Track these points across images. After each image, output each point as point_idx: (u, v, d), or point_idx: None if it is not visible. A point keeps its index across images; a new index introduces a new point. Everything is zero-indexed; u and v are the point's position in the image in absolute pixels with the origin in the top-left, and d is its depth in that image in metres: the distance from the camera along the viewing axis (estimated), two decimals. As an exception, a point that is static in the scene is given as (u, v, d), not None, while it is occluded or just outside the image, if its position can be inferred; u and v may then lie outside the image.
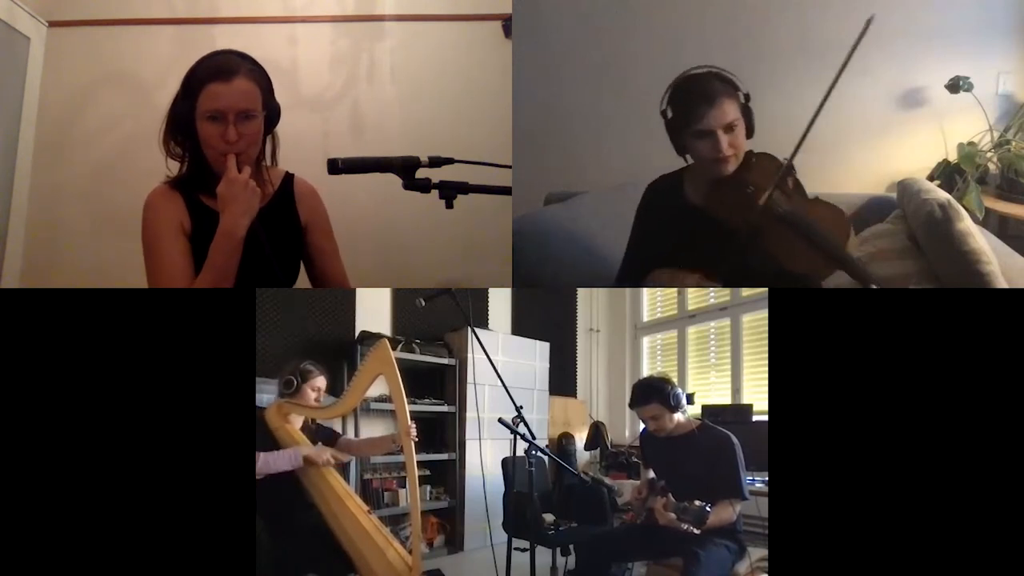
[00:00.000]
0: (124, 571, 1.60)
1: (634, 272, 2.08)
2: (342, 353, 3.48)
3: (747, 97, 1.87)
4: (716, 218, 1.88)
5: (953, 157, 3.10)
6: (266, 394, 2.55)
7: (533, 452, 1.99)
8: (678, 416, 2.18)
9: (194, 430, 1.65)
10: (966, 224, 2.08)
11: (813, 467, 1.65)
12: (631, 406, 2.21)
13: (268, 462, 2.05)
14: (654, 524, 1.99)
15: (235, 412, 1.67)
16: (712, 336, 4.63)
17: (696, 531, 1.88)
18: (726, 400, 4.22)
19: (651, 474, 2.30)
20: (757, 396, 4.02)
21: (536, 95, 3.10)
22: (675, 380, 2.23)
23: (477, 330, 2.56)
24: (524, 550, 2.19)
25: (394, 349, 2.12)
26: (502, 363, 3.82)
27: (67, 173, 2.73)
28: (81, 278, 2.65)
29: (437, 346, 3.80)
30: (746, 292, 4.19)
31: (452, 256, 2.80)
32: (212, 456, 1.65)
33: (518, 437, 2.00)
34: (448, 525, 3.76)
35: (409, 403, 2.11)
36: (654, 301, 5.13)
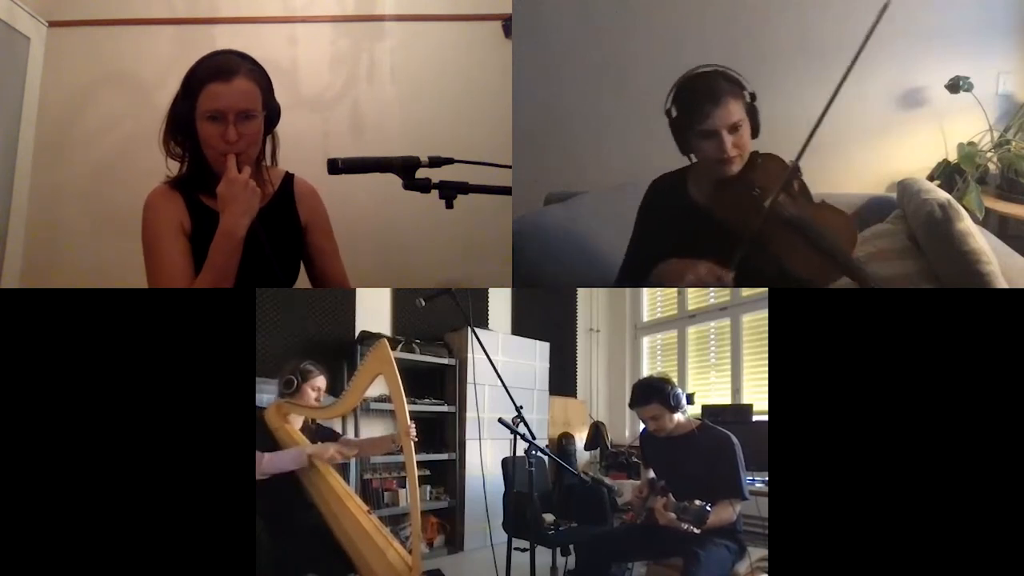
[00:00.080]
0: (124, 571, 1.60)
1: (636, 270, 2.05)
2: (342, 353, 3.48)
3: (753, 96, 1.85)
4: (720, 219, 1.86)
5: (953, 157, 3.10)
6: (266, 394, 2.55)
7: (533, 452, 1.99)
8: (678, 416, 2.18)
9: (194, 430, 1.65)
10: (966, 224, 2.08)
11: (813, 467, 1.65)
12: (631, 406, 2.21)
13: (273, 462, 2.06)
14: (654, 524, 1.99)
15: (235, 412, 1.67)
16: (712, 336, 4.63)
17: (696, 531, 1.88)
18: (726, 400, 4.22)
19: (651, 474, 2.30)
20: (757, 396, 4.02)
21: (536, 95, 3.10)
22: (675, 380, 2.23)
23: (477, 330, 2.56)
24: (524, 550, 2.19)
25: (394, 349, 2.12)
26: (502, 363, 3.82)
27: (67, 173, 2.73)
28: (81, 278, 2.65)
29: (437, 346, 3.80)
30: (746, 292, 4.19)
31: (452, 256, 2.80)
32: (212, 456, 1.65)
33: (518, 437, 1.99)
34: (448, 525, 3.76)
35: (409, 403, 2.11)
36: (654, 301, 5.13)
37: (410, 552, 2.04)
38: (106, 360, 1.65)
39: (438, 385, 3.83)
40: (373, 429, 3.39)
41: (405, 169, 1.64)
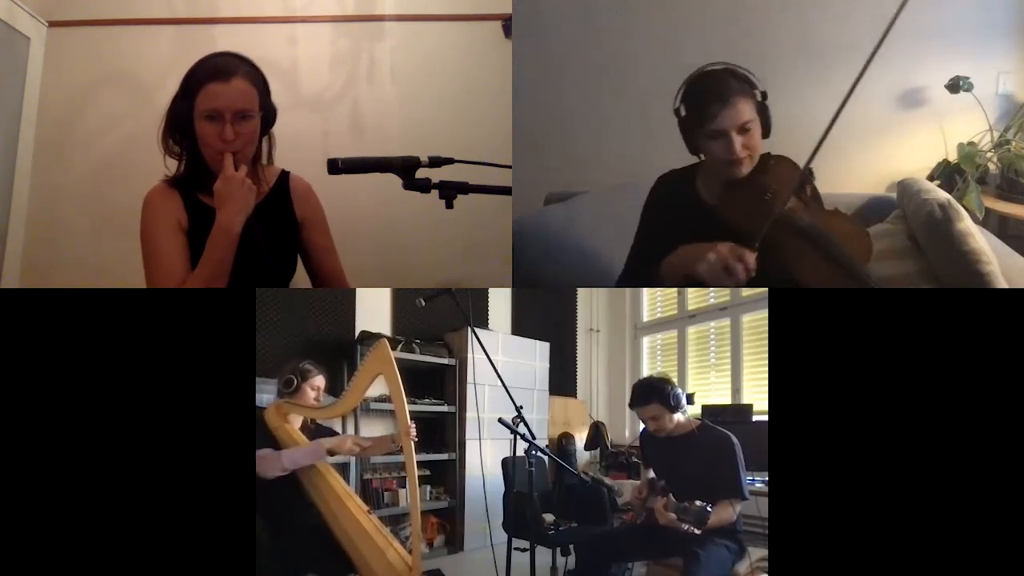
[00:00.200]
0: (124, 571, 1.60)
1: (641, 268, 1.99)
2: (342, 353, 3.48)
3: (764, 95, 1.80)
4: (729, 221, 1.79)
5: (953, 157, 3.10)
6: (266, 394, 2.55)
7: (533, 452, 1.99)
8: (678, 416, 2.18)
9: (194, 430, 1.65)
10: (966, 224, 2.08)
11: (813, 467, 1.65)
12: (631, 406, 2.21)
13: (293, 458, 2.07)
14: (654, 524, 1.99)
15: (235, 412, 1.68)
16: (712, 336, 4.63)
17: (697, 531, 1.88)
18: (726, 400, 4.22)
19: (651, 474, 2.30)
20: (757, 396, 4.02)
21: (536, 95, 3.10)
22: (675, 380, 2.22)
23: (477, 330, 2.56)
24: (524, 550, 2.19)
25: (394, 349, 2.12)
26: (502, 363, 3.82)
27: (67, 173, 2.73)
28: (81, 278, 2.65)
29: (437, 346, 3.80)
30: (746, 292, 4.19)
31: (452, 256, 2.80)
32: (212, 456, 1.65)
33: (518, 437, 2.00)
34: (448, 525, 3.76)
35: (409, 403, 2.11)
36: (654, 301, 5.14)
37: (410, 552, 2.04)
38: (106, 360, 1.65)
39: (438, 385, 3.83)
40: (373, 429, 3.39)
41: (405, 169, 1.65)
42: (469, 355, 3.73)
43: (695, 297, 4.71)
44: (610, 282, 2.22)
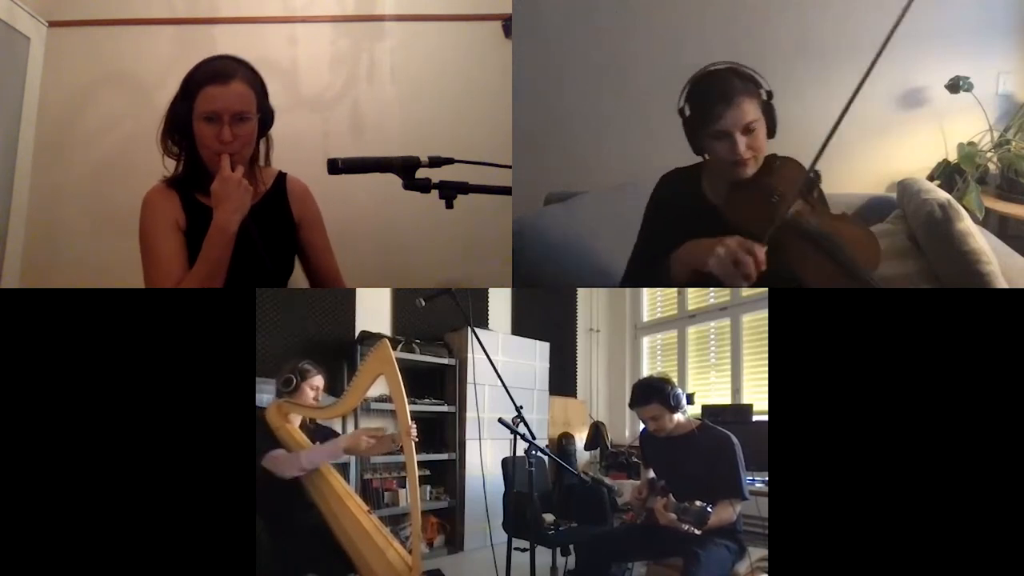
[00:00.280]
0: (124, 571, 1.60)
1: (644, 267, 1.97)
2: (342, 353, 3.48)
3: (770, 95, 1.76)
4: (734, 223, 1.75)
5: (953, 157, 3.11)
6: (266, 394, 2.55)
7: (533, 452, 1.99)
8: (678, 416, 2.17)
9: (194, 430, 1.65)
10: (966, 224, 2.08)
11: (813, 467, 1.65)
12: (631, 406, 2.21)
13: (311, 458, 2.09)
14: (654, 524, 1.99)
15: (235, 412, 1.68)
16: (712, 336, 4.63)
17: (697, 532, 1.88)
18: (726, 400, 4.22)
19: (651, 474, 2.30)
20: (757, 396, 4.02)
21: (536, 95, 3.10)
22: (675, 380, 2.22)
23: (477, 330, 2.56)
24: (524, 550, 2.19)
25: (394, 349, 2.12)
26: (502, 363, 3.82)
27: (67, 173, 2.73)
28: (81, 278, 2.65)
29: (437, 346, 3.80)
30: (746, 292, 4.18)
31: (452, 256, 2.80)
32: (212, 456, 1.65)
33: (518, 437, 2.00)
34: (448, 525, 3.76)
35: (409, 403, 2.11)
36: (654, 301, 5.13)
37: (410, 552, 2.04)
38: (106, 360, 1.65)
39: (438, 385, 3.83)
40: (372, 427, 3.39)
41: (405, 169, 1.65)
42: (469, 355, 3.73)
43: (695, 297, 4.71)
44: (610, 282, 2.22)
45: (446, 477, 3.80)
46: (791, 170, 1.79)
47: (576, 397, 4.96)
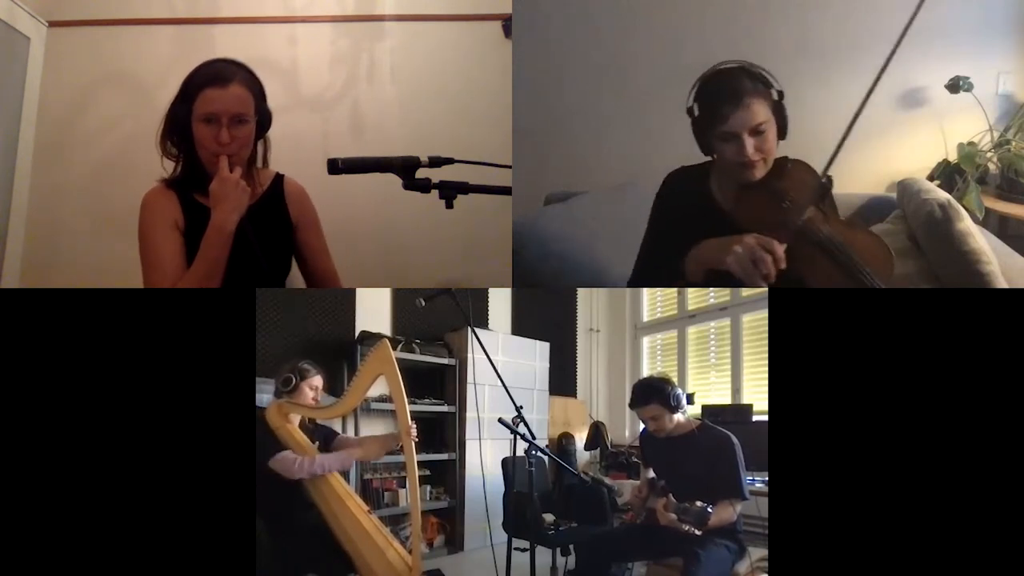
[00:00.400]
0: (124, 571, 1.60)
1: (652, 267, 1.93)
2: (342, 353, 3.48)
3: (780, 95, 1.72)
4: (743, 226, 1.71)
5: (953, 157, 3.11)
6: (266, 394, 2.55)
7: (533, 452, 2.00)
8: (678, 416, 2.17)
9: (194, 430, 1.65)
10: (966, 224, 2.08)
11: (813, 467, 1.65)
12: (631, 406, 2.21)
13: (323, 465, 2.10)
14: (654, 524, 1.99)
15: (235, 412, 1.68)
16: (712, 336, 4.63)
17: (697, 532, 1.88)
18: (726, 400, 4.22)
19: (651, 474, 2.30)
20: (757, 396, 4.02)
21: (536, 95, 3.10)
22: (675, 380, 2.22)
23: (477, 330, 2.56)
24: (524, 550, 2.19)
25: (394, 349, 2.13)
26: (502, 363, 3.82)
27: (67, 173, 2.73)
28: (81, 278, 2.65)
29: (437, 346, 3.80)
30: (746, 292, 4.18)
31: (452, 256, 2.79)
32: (212, 456, 1.65)
33: (518, 437, 2.00)
34: (448, 525, 3.76)
35: (409, 403, 2.11)
36: (654, 301, 5.13)
37: (410, 552, 2.05)
38: (106, 360, 1.65)
39: (438, 385, 3.83)
40: (373, 429, 3.39)
41: (405, 169, 1.65)
42: (469, 355, 3.73)
43: (695, 297, 4.71)
44: (610, 282, 2.22)
45: (446, 477, 3.80)
46: (802, 173, 1.76)
47: (576, 397, 4.96)
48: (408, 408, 2.07)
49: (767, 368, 1.77)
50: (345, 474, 2.57)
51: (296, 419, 2.29)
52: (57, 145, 2.72)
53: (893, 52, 1.62)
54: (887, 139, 3.21)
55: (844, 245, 1.71)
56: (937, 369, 1.64)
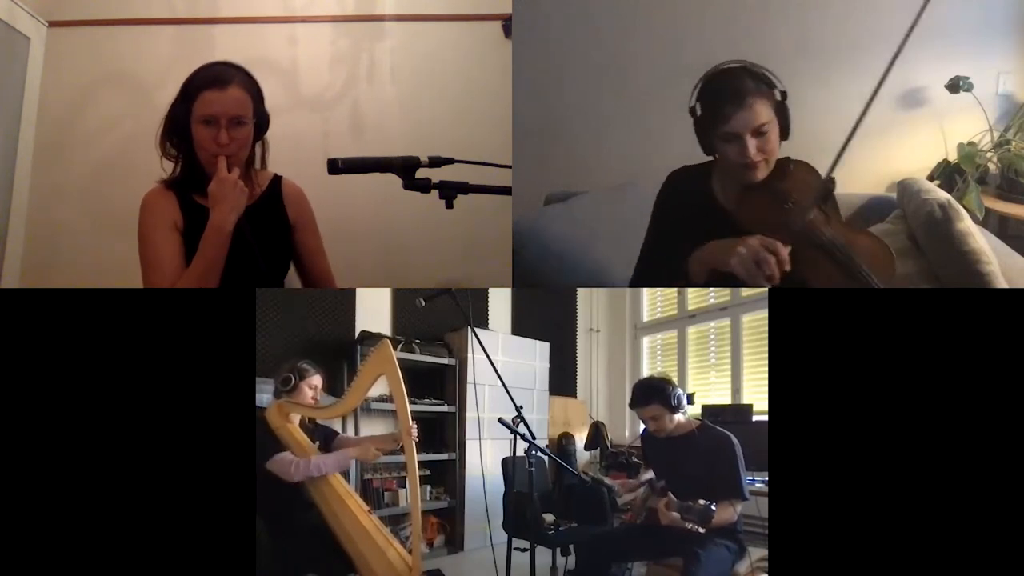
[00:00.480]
0: (125, 571, 1.60)
1: (653, 267, 1.92)
2: (342, 353, 3.48)
3: (784, 95, 1.71)
4: (745, 227, 1.70)
5: (953, 157, 3.11)
6: (266, 394, 2.55)
7: (533, 452, 1.99)
8: (678, 416, 2.17)
9: (194, 430, 1.65)
10: (966, 224, 2.08)
11: (813, 467, 1.65)
12: (631, 407, 2.21)
13: (319, 467, 2.10)
14: (654, 524, 1.99)
15: (235, 412, 1.68)
16: (712, 336, 4.63)
17: (701, 530, 1.87)
18: (726, 400, 4.22)
19: (650, 474, 2.30)
20: (757, 396, 4.02)
21: (536, 95, 3.10)
22: (675, 380, 2.22)
23: (477, 330, 2.56)
24: (524, 550, 2.19)
25: (394, 349, 2.13)
26: (502, 363, 3.82)
27: (67, 173, 2.73)
28: (81, 278, 2.65)
29: (437, 346, 3.80)
30: (746, 292, 4.19)
31: (452, 256, 2.79)
32: (212, 456, 1.65)
33: (518, 437, 2.00)
34: (448, 525, 3.76)
35: (409, 403, 2.11)
36: (654, 301, 5.13)
37: (410, 552, 2.05)
38: (106, 360, 1.65)
39: (438, 385, 3.83)
40: (374, 429, 3.39)
41: (405, 169, 1.66)
42: (469, 355, 3.73)
43: (695, 297, 4.71)
44: (610, 282, 2.22)
45: (446, 477, 3.80)
46: (804, 173, 1.75)
47: (576, 397, 4.96)
48: (408, 408, 2.07)
49: (767, 368, 1.77)
50: (345, 474, 2.57)
51: (296, 419, 2.29)
52: (57, 145, 2.73)
53: (898, 52, 1.62)
54: (887, 139, 3.21)
55: (846, 247, 1.70)
56: (937, 369, 1.64)
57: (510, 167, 2.07)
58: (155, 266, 1.78)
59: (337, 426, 2.98)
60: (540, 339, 4.39)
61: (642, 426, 2.29)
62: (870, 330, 1.67)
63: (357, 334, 3.56)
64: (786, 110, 1.73)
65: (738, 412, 3.73)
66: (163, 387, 1.66)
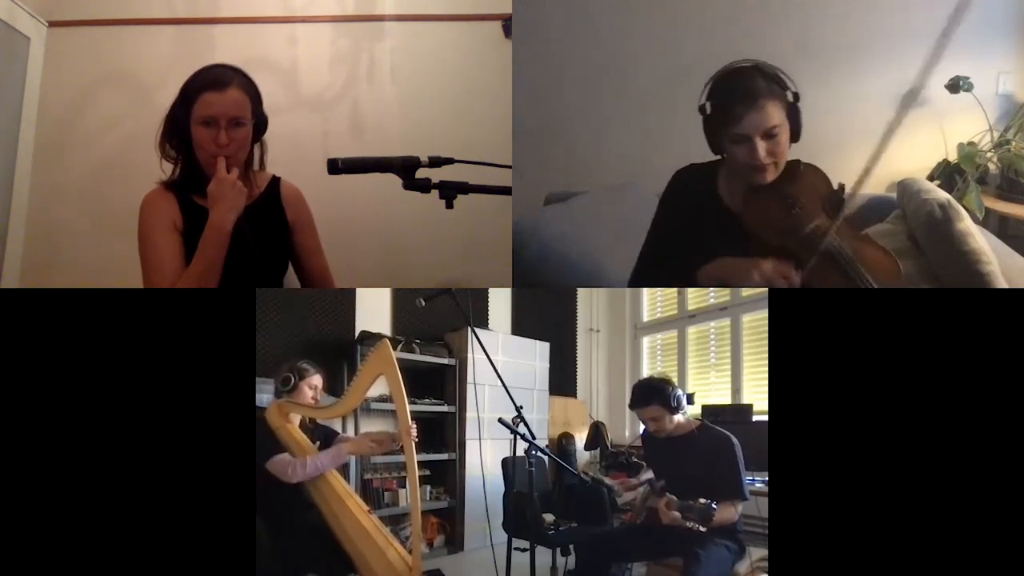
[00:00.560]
0: (125, 571, 1.60)
1: (654, 266, 1.90)
2: (342, 353, 3.48)
3: (796, 96, 1.69)
4: (752, 230, 1.70)
5: (953, 157, 3.10)
6: (266, 394, 2.55)
7: (533, 452, 1.99)
8: (678, 417, 2.17)
9: (194, 430, 1.65)
10: (966, 224, 2.08)
11: (813, 467, 1.65)
12: (631, 407, 2.21)
13: (316, 465, 2.11)
14: (654, 524, 1.99)
15: (235, 412, 1.68)
16: (712, 336, 4.63)
17: (702, 529, 1.87)
18: (726, 400, 4.22)
19: (650, 474, 2.30)
20: (757, 396, 4.02)
21: (536, 95, 3.10)
22: (675, 380, 2.22)
23: (477, 330, 2.56)
24: (524, 550, 2.19)
25: (394, 349, 2.13)
26: (502, 363, 3.82)
27: (67, 173, 2.73)
28: (81, 278, 2.65)
29: (437, 346, 3.80)
30: (746, 292, 4.19)
31: (452, 256, 2.79)
32: (212, 456, 1.65)
33: (518, 437, 2.00)
34: (448, 525, 3.76)
35: (409, 403, 2.11)
36: (654, 301, 5.14)
37: (410, 552, 2.05)
38: (106, 360, 1.65)
39: (438, 385, 3.83)
40: (373, 429, 3.38)
41: (405, 169, 1.66)
42: (469, 355, 3.73)
43: (695, 297, 4.71)
44: (610, 282, 2.22)
45: (446, 477, 3.80)
46: (813, 177, 1.73)
47: (576, 397, 4.96)
48: (408, 408, 2.07)
49: (767, 368, 1.77)
50: (345, 474, 2.57)
51: (296, 419, 2.29)
52: (57, 145, 2.73)
53: (940, 48, 1.65)
54: (887, 139, 3.21)
55: (852, 258, 1.69)
56: (937, 369, 1.64)
57: (510, 167, 2.07)
58: (155, 266, 1.79)
59: (337, 426, 2.98)
60: (540, 339, 4.39)
61: (642, 426, 2.29)
62: (870, 330, 1.67)
63: (357, 334, 3.56)
64: (798, 112, 1.70)
65: (738, 412, 3.73)
66: (163, 387, 1.66)
